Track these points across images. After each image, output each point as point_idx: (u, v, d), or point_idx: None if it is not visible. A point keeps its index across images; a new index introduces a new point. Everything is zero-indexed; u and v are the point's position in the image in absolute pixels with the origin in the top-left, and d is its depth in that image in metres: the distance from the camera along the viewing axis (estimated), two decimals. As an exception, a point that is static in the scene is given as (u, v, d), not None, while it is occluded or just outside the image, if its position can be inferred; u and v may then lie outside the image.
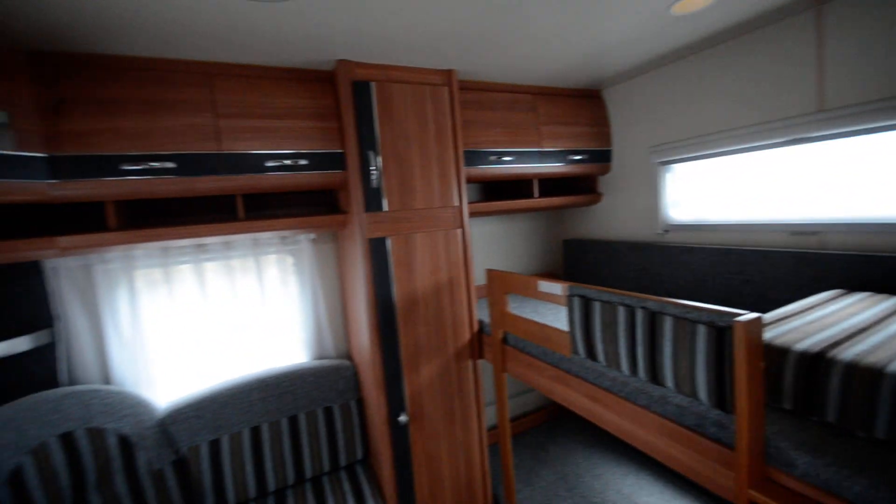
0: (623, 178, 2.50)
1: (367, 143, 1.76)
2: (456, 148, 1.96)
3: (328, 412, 2.09)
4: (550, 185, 2.63)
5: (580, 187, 2.70)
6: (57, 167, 1.40)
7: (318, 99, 1.79)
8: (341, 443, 2.10)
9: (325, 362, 2.16)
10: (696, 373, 1.01)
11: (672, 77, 2.12)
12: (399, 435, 1.88)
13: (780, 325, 1.11)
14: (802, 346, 0.98)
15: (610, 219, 2.62)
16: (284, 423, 1.99)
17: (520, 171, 2.26)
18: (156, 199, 1.67)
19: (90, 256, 1.74)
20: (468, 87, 2.10)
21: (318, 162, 1.79)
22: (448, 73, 1.93)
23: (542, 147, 2.31)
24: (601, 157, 2.51)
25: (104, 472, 1.61)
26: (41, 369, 1.71)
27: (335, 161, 1.82)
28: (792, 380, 0.97)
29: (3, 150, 1.29)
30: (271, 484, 1.96)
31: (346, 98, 1.74)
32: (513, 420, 2.83)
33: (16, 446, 1.45)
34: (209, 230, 1.67)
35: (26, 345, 1.62)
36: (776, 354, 1.00)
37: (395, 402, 1.87)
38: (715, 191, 2.10)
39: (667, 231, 2.27)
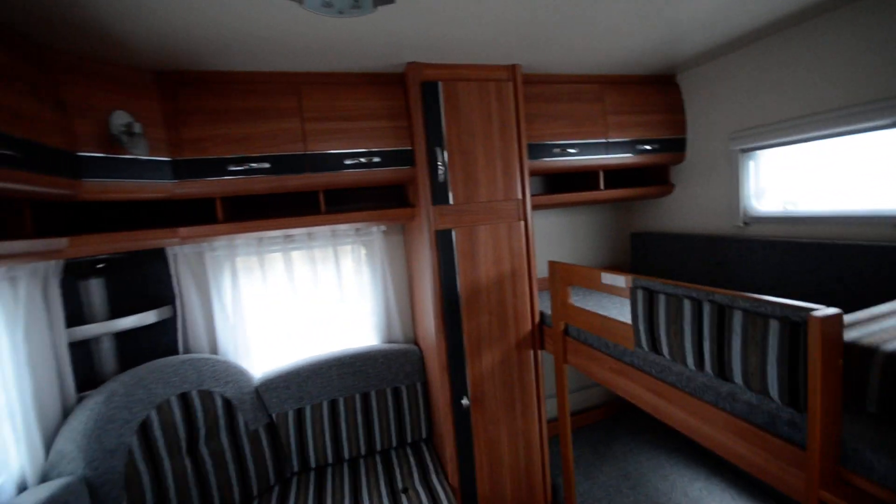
0: (699, 167, 2.36)
1: (434, 139, 1.87)
2: (519, 142, 2.00)
3: (396, 392, 2.25)
4: (616, 176, 2.56)
5: (649, 178, 2.60)
6: (178, 169, 1.67)
7: (390, 100, 1.92)
8: (408, 421, 2.26)
9: (395, 346, 2.32)
10: (767, 369, 0.98)
11: (756, 57, 1.97)
12: (461, 417, 1.99)
13: (870, 325, 1.03)
14: (893, 346, 0.91)
15: (682, 211, 2.50)
16: (358, 399, 2.19)
17: (585, 164, 2.23)
18: (251, 195, 1.91)
19: (201, 245, 2.04)
20: (532, 80, 2.11)
21: (389, 159, 1.92)
22: (512, 68, 1.97)
23: (608, 138, 2.26)
24: (674, 146, 2.39)
25: (212, 428, 1.89)
26: (164, 339, 2.05)
27: (405, 158, 1.95)
28: (878, 382, 0.91)
29: (140, 155, 1.56)
30: (346, 452, 2.16)
31: (415, 98, 1.85)
32: (573, 414, 2.81)
33: (145, 401, 1.76)
34: (297, 222, 1.88)
35: (153, 318, 1.95)
36: (862, 354, 0.94)
37: (458, 386, 1.98)
38: (805, 180, 1.92)
39: (747, 224, 2.12)
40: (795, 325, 0.92)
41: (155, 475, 1.68)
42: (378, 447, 2.22)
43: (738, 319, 1.04)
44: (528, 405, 2.10)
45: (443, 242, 1.91)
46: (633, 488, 2.15)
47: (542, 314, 2.11)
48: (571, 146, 2.18)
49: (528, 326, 2.08)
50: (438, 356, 1.96)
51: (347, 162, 1.87)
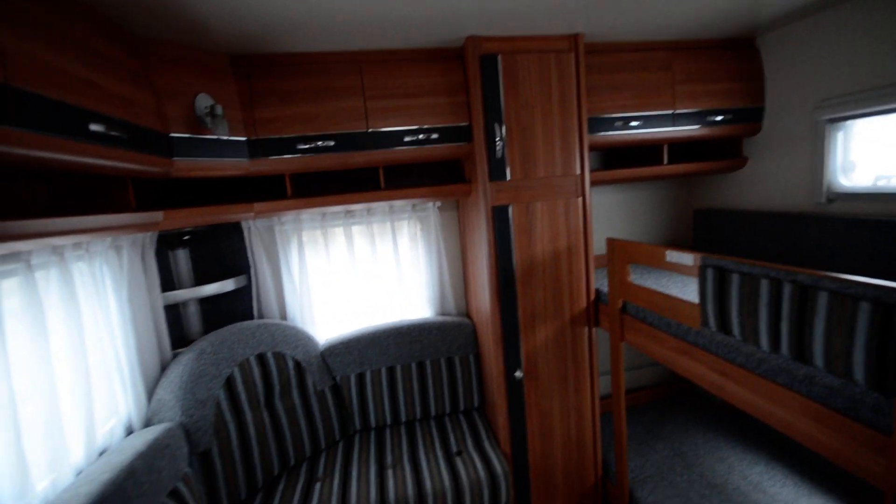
0: (776, 139, 2.19)
1: (492, 115, 1.86)
2: (580, 115, 1.94)
3: (450, 362, 2.34)
4: (680, 150, 2.43)
5: (716, 151, 2.44)
6: (253, 148, 1.78)
7: (448, 76, 1.92)
8: (461, 390, 2.35)
9: (449, 319, 2.40)
10: (853, 352, 0.94)
11: (849, 16, 1.77)
12: (514, 389, 2.04)
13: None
14: None
15: (755, 186, 2.33)
16: (414, 367, 2.30)
17: (648, 137, 2.14)
18: (316, 171, 2.01)
19: (272, 219, 2.18)
20: (594, 49, 2.02)
21: (447, 135, 1.94)
22: (574, 38, 1.89)
23: (675, 109, 2.14)
24: (749, 116, 2.23)
25: (285, 386, 2.07)
26: (241, 305, 2.24)
27: (462, 134, 1.95)
28: None
29: (221, 135, 1.68)
30: (403, 415, 2.30)
31: (473, 72, 1.84)
32: (627, 393, 2.80)
33: (229, 360, 1.95)
34: (358, 198, 1.97)
35: (231, 286, 2.13)
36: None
37: (511, 359, 2.02)
38: (905, 151, 1.74)
39: (831, 200, 1.95)
40: (889, 307, 0.86)
41: (239, 425, 1.88)
42: (433, 413, 2.34)
43: (823, 301, 0.99)
44: (581, 381, 2.12)
45: (499, 218, 1.93)
46: (687, 468, 2.13)
47: (597, 291, 2.10)
48: (634, 119, 2.09)
49: (583, 303, 2.07)
50: (493, 330, 2.01)
51: (406, 139, 1.90)
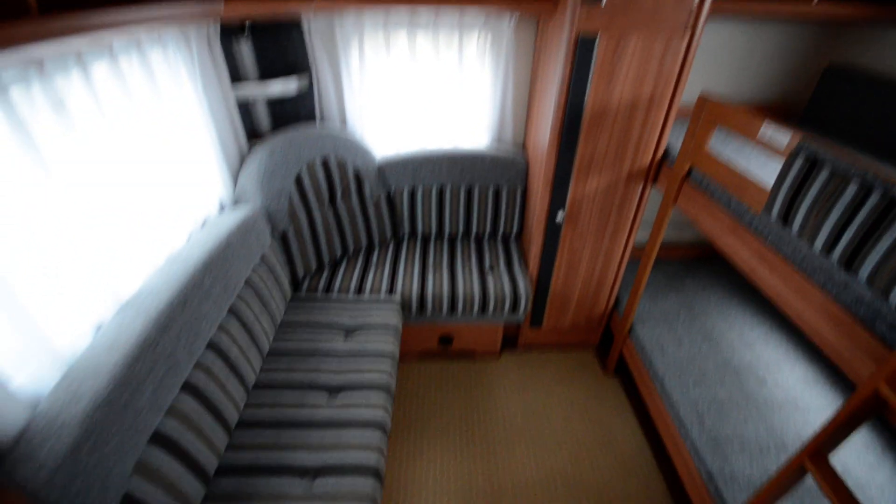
0: None
1: None
2: None
3: (497, 191, 2.44)
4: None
5: None
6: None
7: None
8: (502, 218, 2.52)
9: (503, 153, 2.38)
10: (902, 275, 0.93)
11: None
12: (553, 228, 2.16)
13: None
14: None
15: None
16: (462, 190, 2.43)
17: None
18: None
19: (332, 16, 2.00)
20: None
21: (545, -79, 1.52)
22: None
23: None
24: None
25: (345, 190, 2.29)
26: (304, 107, 2.28)
27: (565, -79, 1.53)
28: None
29: None
30: (447, 229, 2.56)
31: None
32: (661, 246, 2.88)
33: (297, 159, 2.11)
34: (426, 0, 1.72)
35: (294, 84, 2.13)
36: None
37: (557, 201, 2.08)
38: None
39: None
40: (974, 245, 0.81)
41: (308, 216, 2.18)
42: (474, 232, 2.59)
43: (904, 220, 0.92)
44: (619, 231, 2.20)
45: (582, 50, 1.68)
46: (691, 318, 2.37)
47: (667, 149, 1.95)
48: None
49: (647, 160, 1.96)
50: (545, 170, 2.00)
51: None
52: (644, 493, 1.99)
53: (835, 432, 1.08)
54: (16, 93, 1.00)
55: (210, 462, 1.36)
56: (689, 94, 2.24)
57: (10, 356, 1.01)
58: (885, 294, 0.97)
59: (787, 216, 1.23)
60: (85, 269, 1.20)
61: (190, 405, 1.31)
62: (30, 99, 1.04)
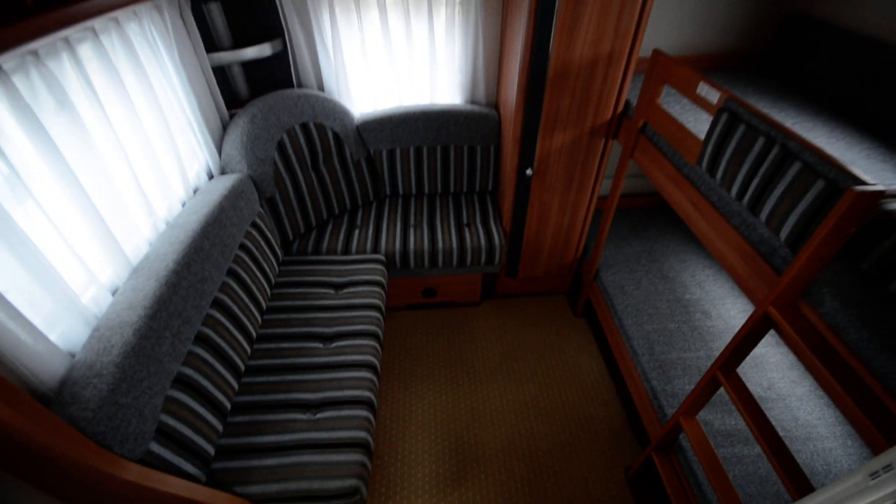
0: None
1: None
2: None
3: (472, 150, 2.56)
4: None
5: None
6: None
7: None
8: (478, 175, 2.67)
9: (476, 108, 2.48)
10: (789, 216, 1.12)
11: None
12: (523, 183, 2.32)
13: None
14: (919, 225, 0.99)
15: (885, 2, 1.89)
16: (439, 150, 2.55)
17: None
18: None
19: (301, -22, 2.02)
20: None
21: None
22: None
23: None
24: None
25: (326, 154, 2.40)
26: (280, 71, 2.33)
27: None
28: (885, 251, 1.04)
29: None
30: (426, 188, 2.71)
31: None
32: (624, 196, 3.07)
33: (278, 126, 2.20)
34: (392, -36, 1.76)
35: (269, 50, 2.18)
36: (889, 225, 1.04)
37: (525, 158, 2.22)
38: None
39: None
40: (837, 190, 1.00)
41: (293, 181, 2.31)
42: (451, 190, 2.74)
43: (794, 170, 1.10)
44: (585, 184, 2.36)
45: (543, 9, 1.75)
46: (651, 262, 2.61)
47: (627, 103, 2.08)
48: None
49: (608, 115, 2.09)
50: (513, 129, 2.13)
51: None
52: (603, 413, 2.30)
53: (738, 347, 1.33)
54: (17, 80, 1.10)
55: (225, 401, 1.58)
56: (653, 47, 2.33)
57: (44, 315, 1.18)
58: (777, 232, 1.18)
59: (712, 167, 1.41)
60: (95, 235, 1.35)
61: (203, 354, 1.51)
62: (30, 86, 1.14)
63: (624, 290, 2.42)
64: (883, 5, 1.88)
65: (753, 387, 1.96)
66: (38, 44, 1.06)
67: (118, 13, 1.45)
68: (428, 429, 2.22)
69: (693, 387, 1.92)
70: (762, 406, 1.85)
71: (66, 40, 1.25)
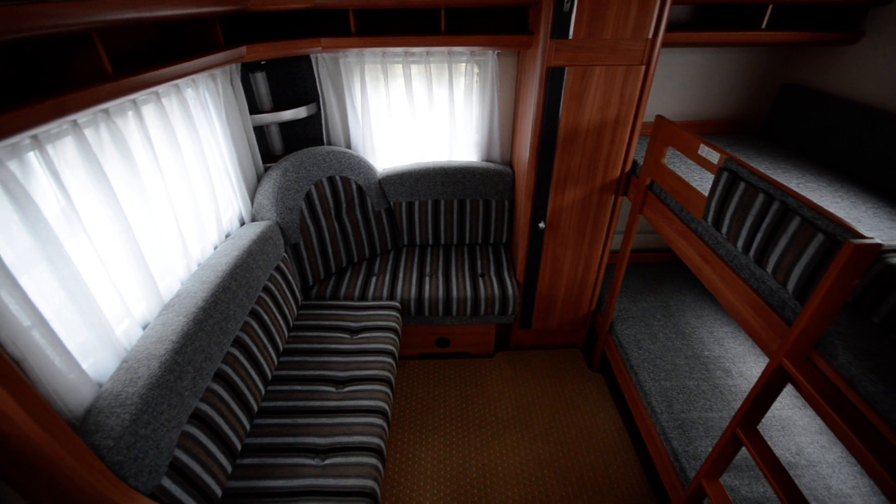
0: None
1: (569, -44, 1.67)
2: (673, -38, 1.69)
3: (487, 204, 2.69)
4: (784, 13, 2.06)
5: (828, 20, 2.05)
6: (319, -21, 1.79)
7: None
8: (493, 227, 2.77)
9: (492, 166, 2.63)
10: (794, 268, 1.15)
11: None
12: (536, 236, 2.40)
13: (929, 255, 1.09)
14: (924, 279, 1.01)
15: (867, 71, 2.03)
16: (455, 203, 2.68)
17: (752, -7, 1.84)
18: (377, 9, 1.99)
19: (337, 53, 2.28)
20: None
21: (516, -24, 1.80)
22: None
23: (801, -45, 1.76)
24: (896, -27, 1.80)
25: (350, 204, 2.55)
26: (312, 130, 2.56)
27: (533, -25, 1.80)
28: (894, 302, 1.06)
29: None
30: (442, 239, 2.81)
31: None
32: (637, 251, 3.11)
33: (306, 178, 2.39)
34: (418, 41, 2.00)
35: (304, 112, 2.41)
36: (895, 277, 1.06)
37: (538, 212, 2.32)
38: None
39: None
40: (836, 243, 1.04)
41: (317, 229, 2.44)
42: (467, 241, 2.83)
43: (794, 224, 1.15)
44: (597, 238, 2.43)
45: (553, 80, 1.94)
46: (667, 317, 2.59)
47: (634, 163, 2.19)
48: (742, -33, 1.78)
49: (616, 174, 2.20)
50: (526, 186, 2.25)
51: (472, -23, 1.80)
52: (623, 475, 2.18)
53: (756, 401, 1.30)
54: (88, 133, 1.27)
55: (236, 442, 1.59)
56: (657, 112, 2.49)
57: (79, 344, 1.26)
58: (785, 284, 1.20)
59: (718, 222, 1.47)
60: (136, 273, 1.46)
61: (220, 391, 1.55)
62: (98, 138, 1.31)
63: (640, 344, 2.39)
64: (873, 74, 2.00)
65: (781, 451, 1.86)
66: (111, 104, 1.23)
67: (180, 81, 1.67)
68: (436, 484, 2.14)
69: (715, 448, 1.84)
70: (791, 473, 1.75)
71: (134, 101, 1.44)
